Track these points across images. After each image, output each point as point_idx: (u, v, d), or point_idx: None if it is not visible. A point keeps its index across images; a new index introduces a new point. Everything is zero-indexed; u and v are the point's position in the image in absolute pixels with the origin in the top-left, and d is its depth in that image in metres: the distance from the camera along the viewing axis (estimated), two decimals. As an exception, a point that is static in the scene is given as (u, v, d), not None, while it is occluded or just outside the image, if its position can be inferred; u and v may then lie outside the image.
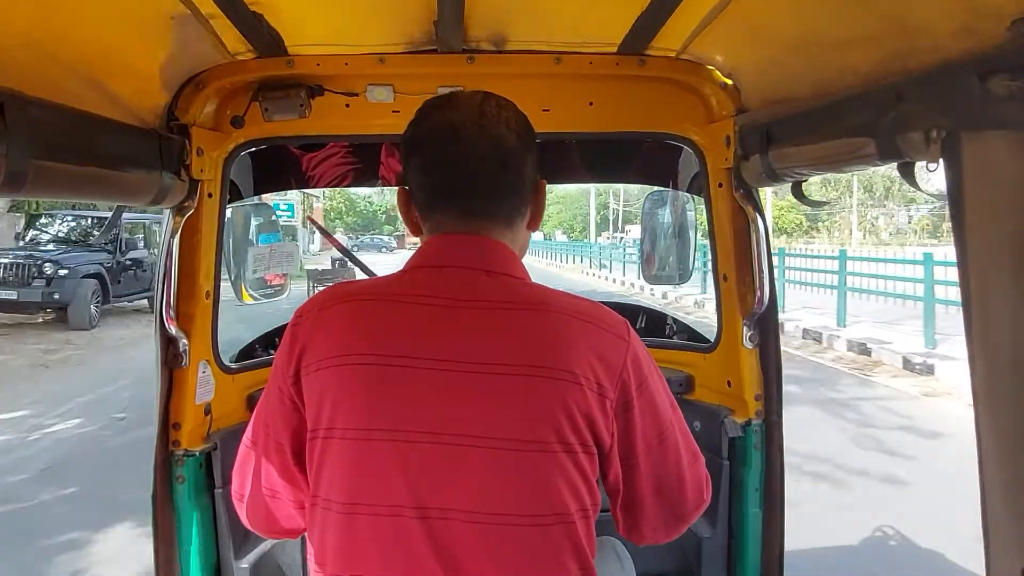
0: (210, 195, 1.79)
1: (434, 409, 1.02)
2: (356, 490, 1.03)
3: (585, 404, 1.02)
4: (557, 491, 1.01)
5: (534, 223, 1.20)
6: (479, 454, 1.01)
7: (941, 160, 0.97)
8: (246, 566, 1.91)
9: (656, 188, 2.56)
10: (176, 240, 1.71)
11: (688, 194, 2.38)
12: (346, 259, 2.50)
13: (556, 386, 1.01)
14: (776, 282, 1.84)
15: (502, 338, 1.04)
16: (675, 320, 2.45)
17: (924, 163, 1.03)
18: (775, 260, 1.87)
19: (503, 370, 1.02)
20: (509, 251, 1.13)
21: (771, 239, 1.84)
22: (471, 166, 1.10)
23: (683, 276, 2.52)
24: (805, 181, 1.57)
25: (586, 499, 1.05)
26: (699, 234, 2.57)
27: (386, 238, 65.02)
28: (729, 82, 1.74)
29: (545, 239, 57.26)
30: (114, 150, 1.38)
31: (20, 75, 1.09)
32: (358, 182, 2.43)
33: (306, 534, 1.12)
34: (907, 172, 1.14)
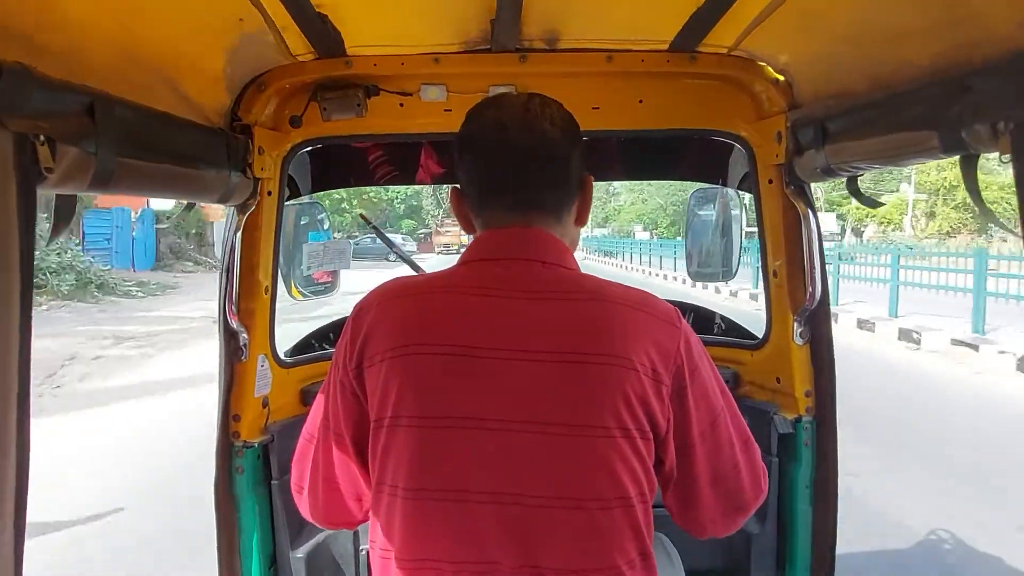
0: (269, 193, 1.84)
1: (501, 397, 1.05)
2: (424, 476, 1.06)
3: (642, 389, 1.06)
4: (618, 475, 1.05)
5: (581, 219, 1.24)
6: (547, 440, 1.04)
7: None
8: (301, 556, 1.96)
9: (701, 185, 2.56)
10: (239, 237, 1.76)
11: (733, 191, 2.38)
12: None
13: (615, 372, 1.05)
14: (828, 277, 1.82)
15: (562, 327, 1.08)
16: (722, 318, 2.44)
17: (995, 155, 1.02)
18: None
19: (565, 358, 1.06)
20: (561, 243, 1.17)
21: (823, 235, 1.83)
22: (517, 160, 1.15)
23: (726, 273, 2.52)
24: (861, 176, 1.56)
25: (644, 484, 1.08)
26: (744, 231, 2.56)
27: (401, 237, 45.04)
28: (781, 78, 1.74)
29: (620, 236, 51.41)
30: (188, 149, 1.43)
31: (105, 76, 1.14)
32: (407, 180, 2.47)
33: (369, 520, 1.15)
34: (969, 165, 1.14)
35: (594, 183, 1.26)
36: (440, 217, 50.40)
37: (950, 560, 4.09)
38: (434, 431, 1.06)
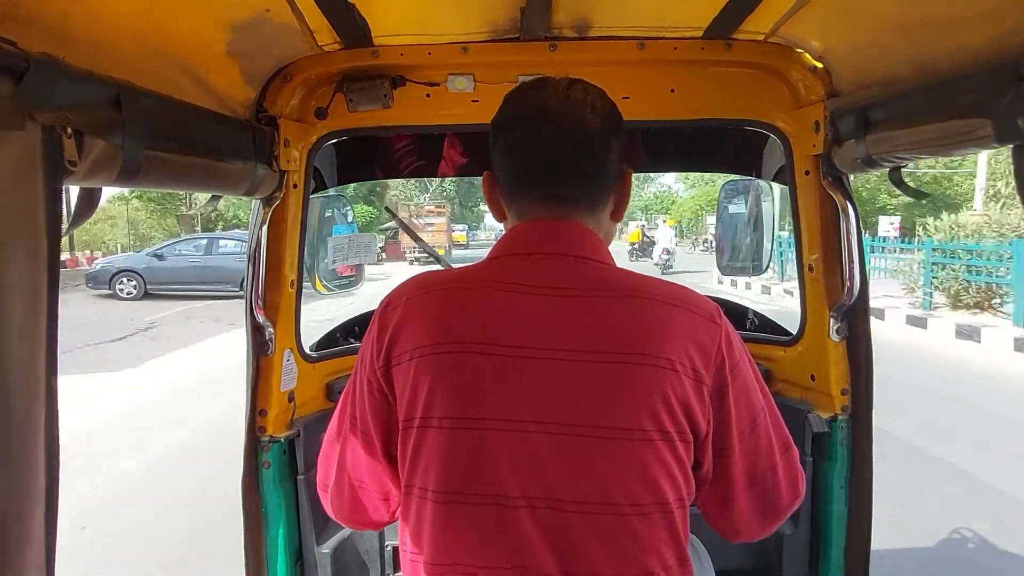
0: (295, 186, 1.82)
1: (535, 398, 1.01)
2: (455, 479, 1.02)
3: (682, 390, 1.01)
4: (657, 480, 1.01)
5: (618, 213, 1.18)
6: (583, 443, 1.00)
7: None
8: (327, 551, 1.95)
9: (732, 177, 2.50)
10: (265, 230, 1.75)
11: (765, 183, 2.32)
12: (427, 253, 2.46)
13: (654, 373, 1.00)
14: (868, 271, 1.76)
15: (598, 326, 1.03)
16: (755, 313, 2.39)
17: None
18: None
19: (601, 358, 1.01)
20: (596, 237, 1.12)
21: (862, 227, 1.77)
22: (553, 148, 1.09)
23: (757, 267, 2.47)
24: (904, 167, 1.51)
25: (682, 488, 1.04)
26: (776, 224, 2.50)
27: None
28: (819, 65, 1.68)
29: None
30: (215, 141, 1.41)
31: (131, 68, 1.12)
32: (435, 170, 2.45)
33: (400, 522, 1.12)
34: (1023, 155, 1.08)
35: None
36: (420, 205, 36.65)
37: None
38: (465, 433, 1.02)
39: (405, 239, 23.96)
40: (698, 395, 1.03)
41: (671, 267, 25.14)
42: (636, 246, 31.34)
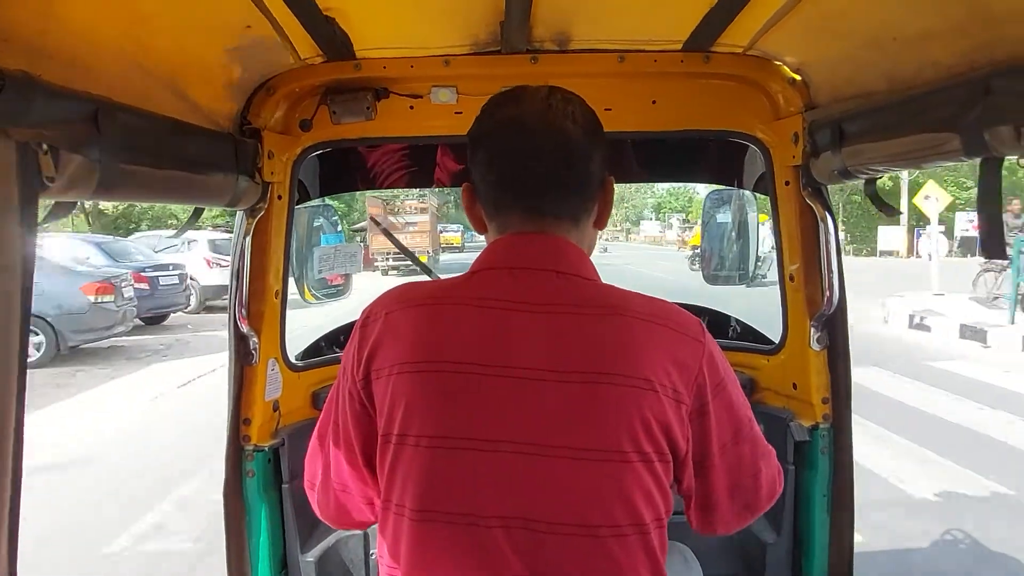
0: (279, 197, 1.84)
1: (512, 418, 1.00)
2: (430, 498, 1.02)
3: (662, 411, 1.01)
4: (634, 501, 1.00)
5: (601, 221, 1.17)
6: (560, 464, 0.99)
7: None
8: (311, 560, 1.95)
9: (716, 187, 2.52)
10: (248, 241, 1.76)
11: (750, 192, 2.34)
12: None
13: (633, 394, 1.00)
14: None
15: (577, 344, 1.02)
16: (738, 321, 2.41)
17: (1016, 158, 0.99)
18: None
19: (580, 378, 1.00)
20: (579, 251, 1.11)
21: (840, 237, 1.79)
22: (534, 160, 1.07)
23: (743, 277, 2.48)
24: (879, 178, 1.52)
25: (660, 508, 1.03)
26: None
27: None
28: (798, 78, 1.70)
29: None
30: (195, 154, 1.42)
31: (110, 83, 1.13)
32: (417, 182, 2.46)
33: (378, 534, 1.13)
34: (992, 168, 1.10)
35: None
36: (396, 200, 27.25)
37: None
38: (441, 452, 1.01)
39: (376, 242, 20.51)
40: (677, 415, 1.02)
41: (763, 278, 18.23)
42: (698, 251, 26.44)
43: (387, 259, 22.42)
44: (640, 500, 1.00)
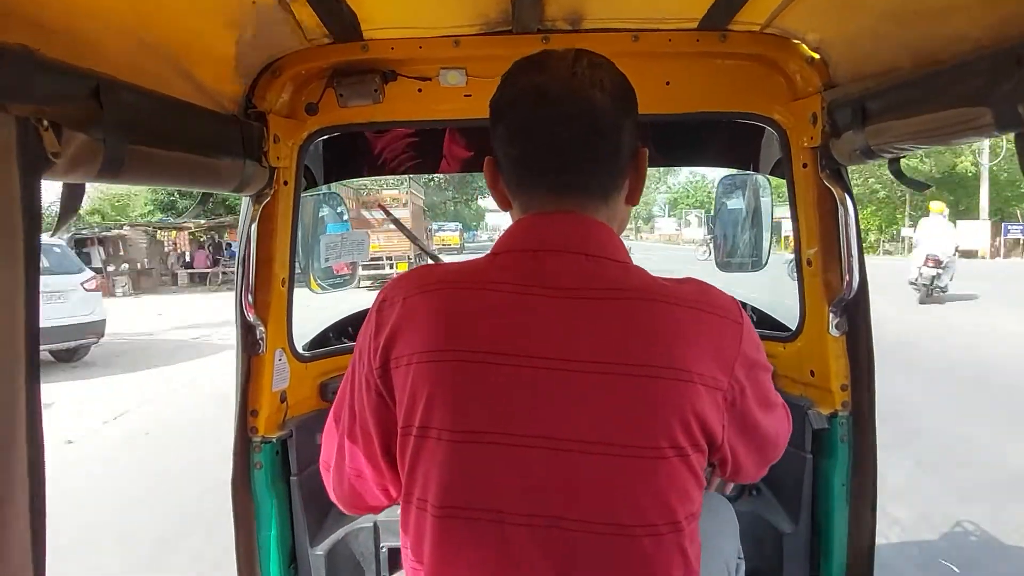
0: (286, 183, 1.80)
1: (543, 412, 0.95)
2: (453, 493, 0.98)
3: (702, 405, 0.96)
4: (668, 499, 0.96)
5: (633, 197, 1.10)
6: (589, 460, 0.94)
7: None
8: (321, 553, 1.93)
9: (729, 171, 2.48)
10: (254, 228, 1.72)
11: (763, 177, 2.30)
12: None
13: (672, 387, 0.95)
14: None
15: (610, 333, 0.96)
16: (753, 308, 2.37)
17: None
18: None
19: (614, 369, 0.95)
20: (609, 231, 1.05)
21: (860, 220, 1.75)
22: (559, 133, 1.01)
23: (756, 263, 2.44)
24: (904, 157, 1.48)
25: (694, 500, 0.99)
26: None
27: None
28: (816, 56, 1.66)
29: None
30: (201, 136, 1.38)
31: (114, 60, 1.09)
32: (426, 167, 2.42)
33: (400, 531, 1.08)
34: None
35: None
36: (367, 190, 22.01)
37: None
38: (465, 446, 0.97)
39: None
40: (714, 404, 0.98)
41: (944, 291, 13.73)
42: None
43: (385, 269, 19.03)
44: (674, 497, 0.96)
